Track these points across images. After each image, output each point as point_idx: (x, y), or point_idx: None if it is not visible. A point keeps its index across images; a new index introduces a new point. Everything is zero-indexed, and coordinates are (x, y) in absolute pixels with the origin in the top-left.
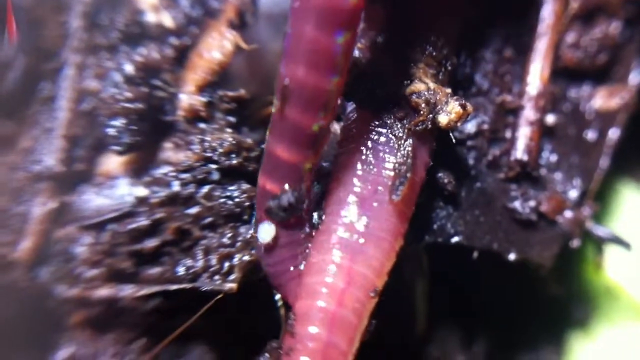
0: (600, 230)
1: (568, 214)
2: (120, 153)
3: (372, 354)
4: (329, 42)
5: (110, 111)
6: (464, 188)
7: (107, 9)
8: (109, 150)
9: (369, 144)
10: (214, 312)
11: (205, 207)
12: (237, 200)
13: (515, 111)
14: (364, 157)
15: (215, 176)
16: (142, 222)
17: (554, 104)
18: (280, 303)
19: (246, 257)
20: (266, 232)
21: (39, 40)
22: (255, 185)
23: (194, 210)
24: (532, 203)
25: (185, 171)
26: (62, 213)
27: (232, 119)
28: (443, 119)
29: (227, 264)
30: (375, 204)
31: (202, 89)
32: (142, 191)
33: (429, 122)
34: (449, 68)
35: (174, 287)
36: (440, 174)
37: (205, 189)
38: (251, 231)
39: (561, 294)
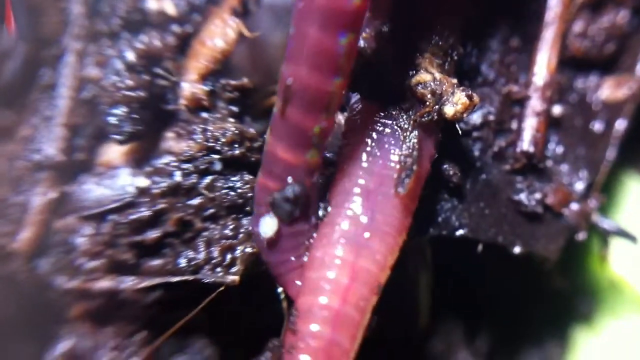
0: (606, 223)
1: (574, 206)
2: (121, 142)
3: (375, 347)
4: (332, 44)
5: (111, 99)
6: (469, 180)
7: None
8: (109, 139)
9: (374, 135)
10: (215, 304)
11: (207, 198)
12: (239, 191)
13: (522, 102)
14: (369, 149)
15: (218, 166)
16: (144, 213)
17: (560, 95)
18: (282, 296)
19: (248, 249)
20: (268, 225)
21: (39, 27)
22: None
23: (196, 201)
24: (537, 195)
25: (187, 161)
26: (62, 203)
27: (234, 108)
28: (449, 110)
29: (229, 256)
30: (380, 197)
31: (204, 78)
32: (143, 181)
33: (435, 114)
34: (455, 58)
35: (176, 279)
36: (445, 166)
37: (208, 179)
38: (250, 227)
39: (566, 287)
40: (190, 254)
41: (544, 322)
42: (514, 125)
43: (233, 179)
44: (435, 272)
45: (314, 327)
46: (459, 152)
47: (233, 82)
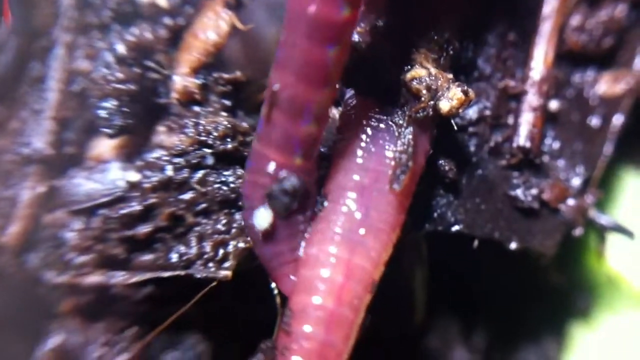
0: (603, 219)
1: (571, 202)
2: (111, 136)
3: (371, 344)
4: (321, 54)
5: (101, 93)
6: (465, 175)
7: None
8: (100, 133)
9: (369, 131)
10: (207, 300)
11: (199, 192)
12: (232, 185)
13: (518, 96)
14: (363, 144)
15: (210, 161)
16: (134, 207)
17: (557, 90)
18: (276, 292)
19: (241, 244)
20: (263, 217)
21: (31, 19)
22: None
23: (187, 195)
24: (534, 191)
25: (178, 155)
26: (51, 197)
27: (227, 102)
28: (444, 106)
29: (221, 251)
30: (375, 193)
31: (196, 71)
32: (134, 176)
33: (430, 109)
34: (451, 52)
35: (167, 274)
36: (440, 161)
37: (200, 174)
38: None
39: (563, 283)
40: (182, 249)
41: (541, 318)
42: (510, 120)
43: (225, 173)
44: (431, 268)
45: (308, 329)
46: (454, 147)
47: (226, 76)
